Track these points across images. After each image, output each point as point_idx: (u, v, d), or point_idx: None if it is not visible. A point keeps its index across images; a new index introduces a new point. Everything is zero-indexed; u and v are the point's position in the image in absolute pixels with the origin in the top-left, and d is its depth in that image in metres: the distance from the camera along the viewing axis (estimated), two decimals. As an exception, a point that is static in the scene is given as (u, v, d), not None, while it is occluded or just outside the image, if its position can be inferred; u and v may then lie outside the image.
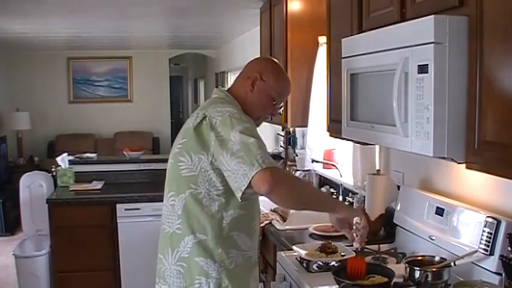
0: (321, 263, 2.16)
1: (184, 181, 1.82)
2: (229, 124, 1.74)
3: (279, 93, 1.97)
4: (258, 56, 4.24)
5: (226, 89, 2.02)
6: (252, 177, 1.64)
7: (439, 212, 2.12)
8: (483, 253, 1.81)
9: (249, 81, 1.94)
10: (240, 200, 1.73)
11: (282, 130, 4.53)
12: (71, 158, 4.83)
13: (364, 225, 1.86)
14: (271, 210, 3.16)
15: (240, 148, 1.68)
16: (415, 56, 1.66)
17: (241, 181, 1.67)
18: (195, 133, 1.80)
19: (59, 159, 4.71)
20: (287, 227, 2.84)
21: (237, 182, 1.68)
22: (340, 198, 3.33)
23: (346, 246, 2.29)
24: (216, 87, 2.23)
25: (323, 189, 3.58)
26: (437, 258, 1.92)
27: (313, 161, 3.59)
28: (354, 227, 1.86)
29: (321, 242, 2.36)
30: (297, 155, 4.09)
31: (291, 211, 2.92)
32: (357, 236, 1.87)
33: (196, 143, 1.79)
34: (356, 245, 1.89)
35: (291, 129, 4.26)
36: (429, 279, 1.83)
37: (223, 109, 1.81)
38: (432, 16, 1.58)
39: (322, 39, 3.19)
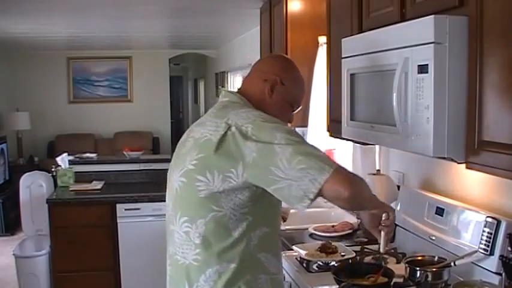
0: (321, 263, 2.16)
1: (205, 203, 1.55)
2: (268, 129, 1.51)
3: (297, 99, 1.81)
4: (258, 56, 4.23)
5: (231, 90, 1.83)
6: (325, 182, 1.42)
7: (439, 212, 2.12)
8: (483, 253, 1.81)
9: (268, 85, 1.72)
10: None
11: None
12: (71, 158, 4.83)
13: (392, 222, 1.65)
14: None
15: (293, 152, 1.45)
16: (415, 56, 1.65)
17: (308, 188, 1.43)
18: (218, 147, 1.52)
19: (59, 159, 4.70)
20: (287, 227, 2.83)
21: (302, 189, 1.44)
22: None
23: (347, 246, 2.29)
24: (221, 87, 2.15)
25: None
26: (437, 258, 1.92)
27: (313, 161, 3.58)
28: (382, 224, 1.65)
29: (321, 242, 2.37)
30: (297, 155, 4.08)
31: (292, 210, 2.92)
32: (386, 234, 1.67)
33: (222, 159, 1.52)
34: (381, 249, 1.70)
35: (291, 129, 4.25)
36: (429, 279, 1.83)
37: (249, 114, 1.58)
38: (432, 16, 1.58)
39: (322, 39, 3.19)
